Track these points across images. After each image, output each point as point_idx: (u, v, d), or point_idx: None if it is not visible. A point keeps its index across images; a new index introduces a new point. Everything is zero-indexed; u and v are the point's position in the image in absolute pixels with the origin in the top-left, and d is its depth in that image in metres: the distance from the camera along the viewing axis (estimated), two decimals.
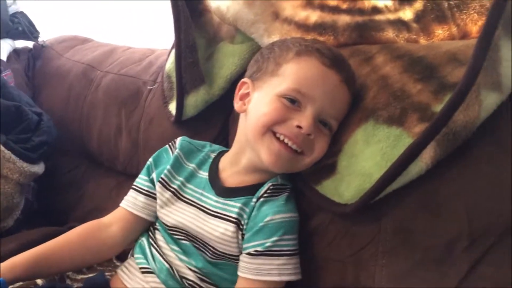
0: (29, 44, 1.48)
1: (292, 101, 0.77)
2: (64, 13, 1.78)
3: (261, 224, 0.75)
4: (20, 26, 1.39)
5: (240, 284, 0.77)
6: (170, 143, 0.94)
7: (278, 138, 0.76)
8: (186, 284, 0.79)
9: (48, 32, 1.52)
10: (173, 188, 0.86)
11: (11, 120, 1.12)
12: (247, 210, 0.78)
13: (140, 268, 0.83)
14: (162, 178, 0.86)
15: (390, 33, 0.89)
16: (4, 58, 1.36)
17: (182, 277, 0.80)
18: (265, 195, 0.78)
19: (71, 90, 1.31)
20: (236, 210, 0.79)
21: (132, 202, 0.89)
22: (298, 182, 0.83)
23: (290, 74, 0.78)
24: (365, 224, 0.76)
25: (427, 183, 0.70)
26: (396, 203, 0.73)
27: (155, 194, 0.87)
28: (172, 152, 0.90)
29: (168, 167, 0.87)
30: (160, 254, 0.83)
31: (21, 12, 1.45)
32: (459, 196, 0.68)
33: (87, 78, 1.29)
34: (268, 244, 0.74)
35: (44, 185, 1.29)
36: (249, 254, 0.75)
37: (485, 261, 0.68)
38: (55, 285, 0.85)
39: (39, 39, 1.46)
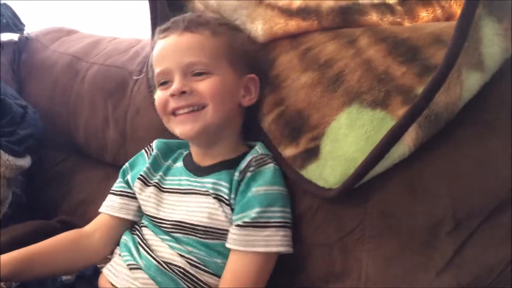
0: (14, 36, 1.46)
1: (166, 82, 0.83)
2: (49, 4, 1.75)
3: (248, 195, 0.76)
4: (4, 19, 1.37)
5: (230, 257, 0.77)
6: (145, 148, 0.98)
7: (175, 114, 0.82)
8: (177, 273, 0.78)
9: (33, 24, 1.50)
10: (154, 183, 0.89)
11: None
12: (227, 185, 0.80)
13: (128, 265, 0.82)
14: (141, 175, 0.90)
15: (374, 17, 0.87)
16: None
17: (171, 267, 0.79)
18: (250, 168, 0.79)
19: (57, 82, 1.29)
20: (210, 185, 0.81)
21: (109, 206, 0.92)
22: (282, 166, 0.82)
23: (153, 65, 0.86)
24: (351, 208, 0.76)
25: (411, 166, 0.70)
26: (380, 187, 0.73)
27: (131, 194, 0.91)
28: (148, 155, 0.95)
29: (147, 165, 0.91)
30: (146, 250, 0.82)
31: (5, 4, 1.43)
32: (443, 178, 0.68)
33: (73, 70, 1.28)
34: (253, 215, 0.75)
35: (32, 178, 1.28)
36: (237, 226, 0.76)
37: (471, 244, 0.68)
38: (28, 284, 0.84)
39: (24, 32, 1.44)
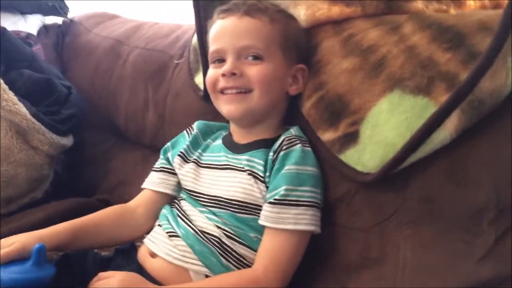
0: (59, 20, 1.50)
1: (219, 61, 0.86)
2: None
3: (280, 173, 0.78)
4: (50, 2, 1.41)
5: (264, 234, 0.79)
6: (187, 129, 1.00)
7: (223, 93, 0.86)
8: (213, 243, 0.80)
9: (78, 8, 1.53)
10: (193, 159, 0.92)
11: (41, 92, 1.15)
12: (262, 162, 0.82)
13: (167, 232, 0.85)
14: (181, 152, 0.94)
15: (419, 4, 0.86)
16: (34, 33, 1.39)
17: (208, 236, 0.81)
18: (284, 147, 0.81)
19: (99, 65, 1.33)
20: (245, 162, 0.84)
21: (150, 181, 0.96)
22: (320, 150, 0.83)
23: (209, 43, 0.89)
24: (390, 194, 0.75)
25: (454, 152, 0.69)
26: (421, 173, 0.72)
27: (171, 169, 0.95)
28: (189, 135, 0.98)
29: (187, 143, 0.95)
30: (184, 220, 0.85)
31: None
32: (487, 166, 0.67)
33: (115, 53, 1.31)
34: (283, 193, 0.76)
35: (73, 158, 1.32)
36: (269, 203, 0.78)
37: None
38: (85, 252, 0.87)
39: (68, 15, 1.47)
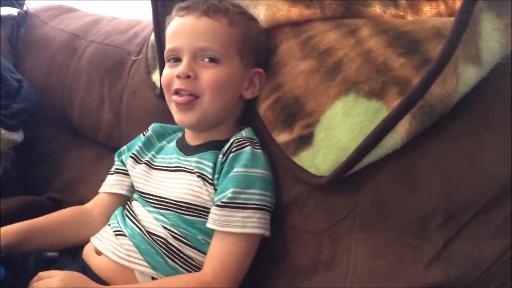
0: (14, 11, 1.45)
1: (175, 60, 0.84)
2: None
3: (228, 176, 0.77)
4: None
5: (213, 238, 0.78)
6: (143, 131, 0.99)
7: (177, 94, 0.83)
8: (159, 244, 0.79)
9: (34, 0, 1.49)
10: (145, 161, 0.91)
11: None
12: (211, 164, 0.81)
13: (114, 231, 0.84)
14: (133, 153, 0.93)
15: (377, 9, 0.87)
16: None
17: (154, 238, 0.79)
18: (232, 149, 0.80)
19: (54, 59, 1.28)
20: (194, 164, 0.82)
21: (105, 184, 0.95)
22: (275, 152, 0.82)
23: (166, 40, 0.87)
24: (342, 197, 0.76)
25: (405, 157, 0.70)
26: (373, 176, 0.72)
27: (125, 171, 0.94)
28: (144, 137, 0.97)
29: (140, 144, 0.94)
30: (132, 220, 0.84)
31: None
32: (437, 171, 0.68)
33: (71, 47, 1.27)
34: (230, 195, 0.75)
35: (24, 154, 1.28)
36: (216, 206, 0.77)
37: (461, 238, 0.67)
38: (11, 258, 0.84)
39: (24, 7, 1.43)
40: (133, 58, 1.15)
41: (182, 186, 0.82)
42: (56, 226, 0.88)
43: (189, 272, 0.79)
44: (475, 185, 0.66)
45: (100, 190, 0.95)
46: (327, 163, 0.74)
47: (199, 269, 0.78)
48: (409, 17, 0.87)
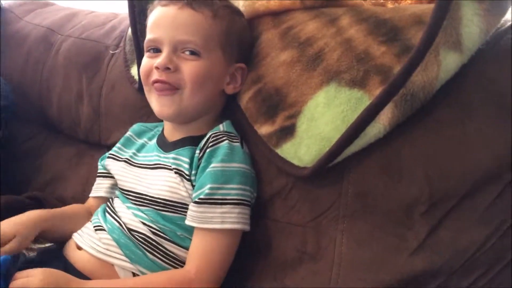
0: None
1: (155, 50, 0.82)
2: None
3: (205, 171, 0.76)
4: None
5: (194, 234, 0.77)
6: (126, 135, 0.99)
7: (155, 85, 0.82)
8: (138, 239, 0.78)
9: None
10: (124, 158, 0.91)
11: None
12: (188, 160, 0.80)
13: (94, 226, 0.83)
14: (111, 153, 0.94)
15: None
16: None
17: (133, 233, 0.79)
18: (209, 144, 0.79)
19: (30, 54, 1.26)
20: (172, 160, 0.82)
21: (92, 189, 0.96)
22: (257, 144, 0.81)
23: (147, 29, 0.85)
24: (326, 188, 0.75)
25: (388, 146, 0.69)
26: (356, 166, 0.72)
27: (104, 173, 0.95)
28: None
29: (118, 145, 0.94)
30: (112, 215, 0.83)
31: None
32: (420, 159, 0.68)
33: (47, 42, 1.24)
34: (208, 191, 0.75)
35: (2, 153, 1.24)
36: (194, 202, 0.76)
37: (444, 226, 0.67)
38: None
39: None
40: (111, 52, 1.13)
41: (160, 183, 0.81)
42: (73, 218, 0.90)
43: (169, 265, 0.78)
44: (458, 173, 0.66)
45: (92, 195, 0.96)
46: (310, 154, 0.73)
47: (179, 262, 0.78)
48: (389, 5, 0.86)
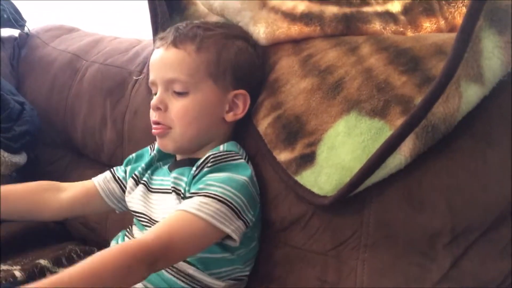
0: (15, 32, 1.46)
1: (155, 93, 0.85)
2: (50, 1, 1.75)
3: (200, 180, 0.77)
4: (5, 14, 1.37)
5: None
6: (150, 145, 0.98)
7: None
8: None
9: (34, 20, 1.49)
10: (143, 181, 0.90)
11: None
12: (185, 179, 0.81)
13: None
14: (135, 174, 0.92)
15: (377, 25, 0.87)
16: None
17: None
18: (208, 164, 0.78)
19: (56, 79, 1.29)
20: (172, 179, 0.83)
21: (101, 180, 0.95)
22: (277, 170, 0.81)
23: None
24: (347, 217, 0.75)
25: (410, 176, 0.69)
26: (378, 196, 0.72)
27: (124, 185, 0.94)
28: (151, 152, 0.96)
29: (143, 165, 0.93)
30: (129, 238, 0.85)
31: (7, 0, 1.43)
32: (442, 190, 0.67)
33: (72, 68, 1.27)
34: (200, 186, 0.74)
35: (27, 176, 1.27)
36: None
37: (468, 257, 0.67)
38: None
39: (25, 28, 1.43)
40: (135, 78, 1.15)
41: (166, 208, 0.82)
42: (20, 195, 0.90)
43: (183, 282, 0.77)
44: (481, 204, 0.65)
45: (92, 179, 0.97)
46: (331, 183, 0.73)
47: (197, 282, 0.78)
48: (409, 33, 0.87)
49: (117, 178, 0.95)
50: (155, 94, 0.84)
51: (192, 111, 0.82)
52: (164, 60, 0.83)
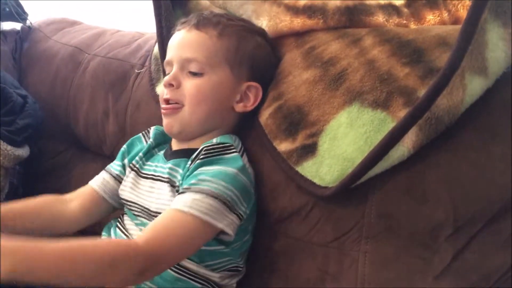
0: (17, 26, 1.45)
1: (169, 72, 0.85)
2: None
3: (192, 174, 0.76)
4: (7, 7, 1.36)
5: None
6: (143, 132, 0.98)
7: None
8: None
9: (36, 14, 1.49)
10: (136, 168, 0.90)
11: None
12: (181, 171, 0.80)
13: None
14: (133, 164, 0.91)
15: (380, 18, 0.87)
16: None
17: None
18: (201, 156, 0.77)
19: (58, 73, 1.28)
20: (167, 170, 0.82)
21: (100, 182, 0.92)
22: (277, 160, 0.81)
23: None
24: (349, 208, 0.75)
25: (413, 168, 0.69)
26: (380, 187, 0.72)
27: (119, 177, 0.92)
28: (146, 141, 0.95)
29: (140, 154, 0.91)
30: (122, 230, 0.84)
31: None
32: (445, 182, 0.67)
33: (75, 61, 1.27)
34: (192, 181, 0.73)
35: (30, 169, 1.27)
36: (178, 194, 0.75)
37: (470, 249, 0.67)
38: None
39: (27, 21, 1.43)
40: (137, 71, 1.15)
41: (157, 196, 0.82)
42: (29, 214, 0.85)
43: (181, 275, 0.76)
44: (483, 196, 0.66)
45: (91, 183, 0.93)
46: (332, 174, 0.73)
47: (193, 274, 0.77)
48: (412, 26, 0.86)
49: (114, 175, 0.92)
50: (168, 73, 0.85)
51: (204, 92, 0.82)
52: (184, 40, 0.85)
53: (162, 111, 0.86)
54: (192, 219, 0.70)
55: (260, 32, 0.90)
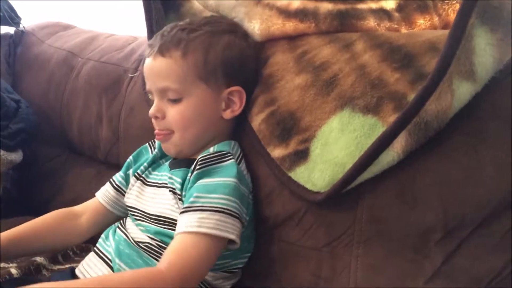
0: (10, 30, 1.45)
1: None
2: None
3: (193, 187, 0.77)
4: (0, 12, 1.36)
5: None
6: (150, 142, 0.98)
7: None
8: (143, 247, 0.80)
9: (30, 18, 1.49)
10: (142, 177, 0.91)
11: None
12: (180, 181, 0.81)
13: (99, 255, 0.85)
14: (138, 173, 0.92)
15: (371, 22, 0.87)
16: None
17: (139, 244, 0.81)
18: (197, 167, 0.78)
19: (52, 77, 1.29)
20: (167, 178, 0.84)
21: (104, 195, 0.95)
22: (270, 166, 0.82)
23: None
24: (340, 213, 0.75)
25: (403, 173, 0.70)
26: (370, 192, 0.72)
27: (125, 191, 0.93)
28: (151, 151, 0.96)
29: (145, 164, 0.93)
30: (121, 230, 0.86)
31: None
32: (435, 186, 0.68)
33: (68, 65, 1.27)
34: (191, 200, 0.74)
35: (24, 174, 1.28)
36: (180, 214, 0.75)
37: (460, 253, 0.67)
38: (27, 277, 0.84)
39: (20, 25, 1.43)
40: (130, 75, 1.15)
41: (160, 201, 0.84)
42: (42, 232, 0.89)
43: None
44: (473, 200, 0.66)
45: (97, 196, 0.96)
46: (324, 179, 0.73)
47: None
48: (403, 30, 0.87)
49: (116, 186, 0.94)
50: (152, 100, 0.86)
51: (188, 116, 0.83)
52: (153, 69, 0.84)
53: (156, 137, 0.87)
54: (203, 237, 0.72)
55: (227, 29, 0.88)
